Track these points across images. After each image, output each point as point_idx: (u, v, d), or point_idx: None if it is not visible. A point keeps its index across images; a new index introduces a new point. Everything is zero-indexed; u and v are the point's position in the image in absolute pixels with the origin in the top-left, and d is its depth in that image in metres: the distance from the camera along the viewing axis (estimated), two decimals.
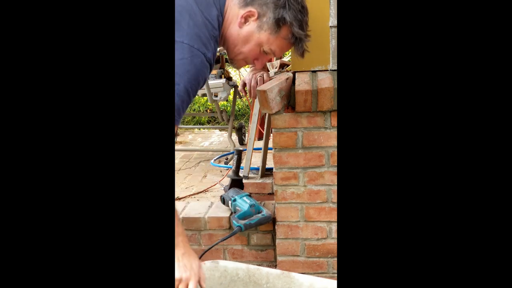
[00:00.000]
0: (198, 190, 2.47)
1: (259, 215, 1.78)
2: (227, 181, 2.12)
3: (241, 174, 2.11)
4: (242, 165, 2.17)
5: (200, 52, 1.15)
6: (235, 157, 2.06)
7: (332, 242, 1.70)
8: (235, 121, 3.63)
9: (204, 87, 2.82)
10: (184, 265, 1.20)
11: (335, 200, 1.66)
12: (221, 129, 4.02)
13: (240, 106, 4.98)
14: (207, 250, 1.69)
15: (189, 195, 2.39)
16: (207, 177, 2.72)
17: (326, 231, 1.70)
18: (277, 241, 1.74)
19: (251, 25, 1.25)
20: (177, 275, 1.18)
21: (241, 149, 2.12)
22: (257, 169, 2.24)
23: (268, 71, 2.01)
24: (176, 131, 1.27)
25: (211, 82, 2.87)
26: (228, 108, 4.46)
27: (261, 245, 1.89)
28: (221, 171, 2.80)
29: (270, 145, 2.03)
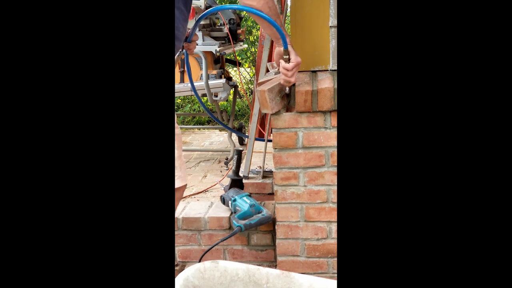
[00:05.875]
0: (198, 190, 2.48)
1: (259, 215, 1.78)
2: (227, 181, 2.12)
3: (241, 174, 2.11)
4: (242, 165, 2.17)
5: None
6: (235, 157, 2.07)
7: (332, 242, 1.70)
8: (235, 121, 3.63)
9: (204, 87, 2.83)
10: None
11: (335, 200, 1.66)
12: (221, 129, 4.02)
13: (240, 106, 4.98)
14: (207, 251, 1.69)
15: (189, 195, 2.40)
16: (207, 177, 2.72)
17: (326, 231, 1.70)
18: (277, 241, 1.74)
19: None
20: (297, 58, 1.48)
21: (241, 149, 2.12)
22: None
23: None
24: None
25: (211, 82, 2.87)
26: (228, 108, 4.46)
27: (261, 245, 1.89)
28: (221, 171, 2.80)
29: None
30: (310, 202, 1.67)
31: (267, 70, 2.11)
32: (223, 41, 2.97)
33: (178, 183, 1.44)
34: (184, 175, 1.49)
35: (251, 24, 5.52)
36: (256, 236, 1.87)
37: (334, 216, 1.67)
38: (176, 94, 3.03)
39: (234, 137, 3.37)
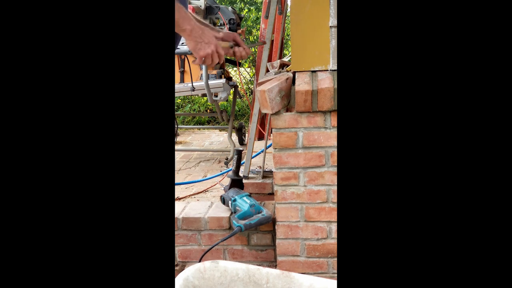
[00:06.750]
0: (198, 190, 2.47)
1: (259, 215, 1.78)
2: (227, 181, 2.12)
3: (241, 174, 2.11)
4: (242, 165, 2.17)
5: None
6: (235, 157, 2.07)
7: (332, 242, 1.70)
8: (235, 121, 3.63)
9: (204, 87, 2.83)
10: (208, 42, 1.29)
11: (335, 200, 1.66)
12: (221, 129, 4.02)
13: (240, 106, 4.98)
14: (207, 251, 1.69)
15: (189, 195, 2.39)
16: (207, 177, 2.72)
17: (326, 231, 1.70)
18: (277, 241, 1.74)
19: None
20: (202, 52, 1.28)
21: (241, 149, 2.12)
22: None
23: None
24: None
25: (211, 82, 2.87)
26: (228, 108, 4.46)
27: (261, 245, 1.89)
28: (221, 171, 2.80)
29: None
30: (310, 202, 1.67)
31: (267, 70, 2.11)
32: None
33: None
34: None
35: (251, 24, 5.53)
36: (256, 236, 1.87)
37: (334, 216, 1.67)
38: (176, 94, 3.03)
39: (234, 137, 3.37)
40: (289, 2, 2.30)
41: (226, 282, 1.35)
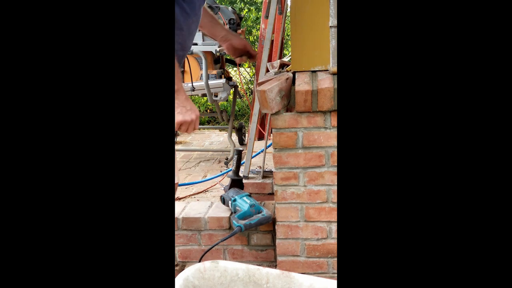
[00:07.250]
0: (198, 190, 2.48)
1: (259, 215, 1.78)
2: (227, 181, 2.12)
3: (241, 174, 2.11)
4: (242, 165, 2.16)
5: None
6: (235, 157, 2.07)
7: (332, 242, 1.70)
8: (235, 121, 3.63)
9: (204, 87, 2.83)
10: (191, 109, 1.38)
11: (335, 200, 1.66)
12: (221, 129, 4.03)
13: (240, 106, 4.98)
14: (207, 251, 1.69)
15: (189, 195, 2.40)
16: (207, 177, 2.72)
17: (326, 231, 1.70)
18: (277, 241, 1.74)
19: None
20: (187, 117, 1.36)
21: (241, 149, 2.12)
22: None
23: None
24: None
25: (211, 82, 2.87)
26: (228, 108, 4.46)
27: (261, 245, 1.89)
28: (221, 171, 2.80)
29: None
30: (310, 202, 1.67)
31: (267, 70, 2.11)
32: None
33: None
34: (176, 173, 1.48)
35: (251, 24, 5.52)
36: (256, 236, 1.87)
37: (334, 216, 1.67)
38: None
39: (234, 137, 3.37)
40: (289, 2, 2.31)
41: (226, 282, 1.35)
